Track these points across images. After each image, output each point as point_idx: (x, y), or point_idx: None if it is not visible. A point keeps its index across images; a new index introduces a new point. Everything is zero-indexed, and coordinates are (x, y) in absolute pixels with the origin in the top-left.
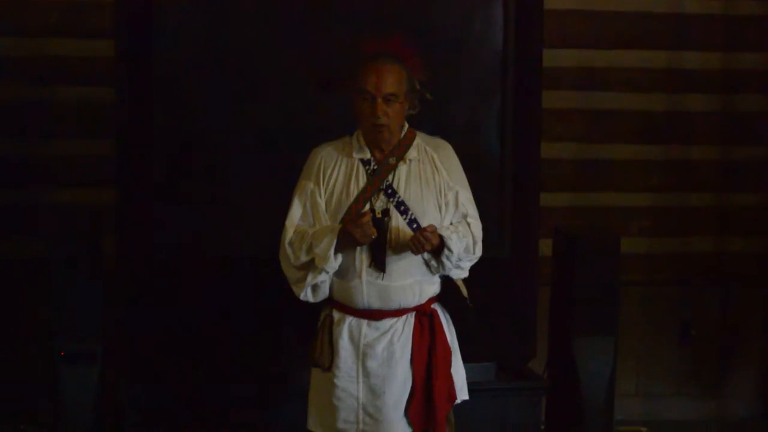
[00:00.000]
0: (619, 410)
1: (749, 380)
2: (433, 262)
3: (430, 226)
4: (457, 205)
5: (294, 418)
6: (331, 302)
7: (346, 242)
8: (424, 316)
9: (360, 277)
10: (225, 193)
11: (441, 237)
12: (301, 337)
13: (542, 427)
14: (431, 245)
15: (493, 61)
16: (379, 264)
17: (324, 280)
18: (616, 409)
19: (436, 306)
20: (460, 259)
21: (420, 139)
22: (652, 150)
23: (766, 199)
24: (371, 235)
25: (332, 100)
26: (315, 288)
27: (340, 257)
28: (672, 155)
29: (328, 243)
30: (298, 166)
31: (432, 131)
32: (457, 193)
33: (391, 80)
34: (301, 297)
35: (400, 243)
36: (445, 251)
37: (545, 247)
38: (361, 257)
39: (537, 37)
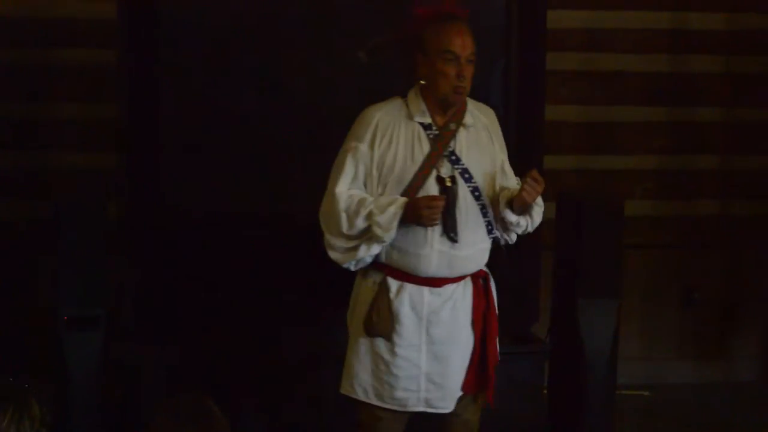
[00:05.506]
0: (622, 374)
1: (752, 344)
2: (523, 220)
3: (533, 170)
4: (504, 172)
5: (305, 382)
6: (384, 269)
7: (408, 217)
8: (479, 279)
9: (432, 246)
10: (231, 154)
11: None
12: (304, 298)
13: (545, 391)
14: (543, 188)
15: (497, 23)
16: (451, 233)
17: (377, 252)
18: (618, 373)
19: (485, 269)
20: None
21: (470, 105)
22: (656, 112)
23: None
24: (436, 220)
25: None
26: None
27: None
28: (677, 117)
29: (394, 213)
30: (305, 124)
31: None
32: (503, 161)
33: (471, 42)
34: (344, 265)
35: (467, 211)
36: (539, 202)
37: (549, 210)
38: (433, 227)
39: None
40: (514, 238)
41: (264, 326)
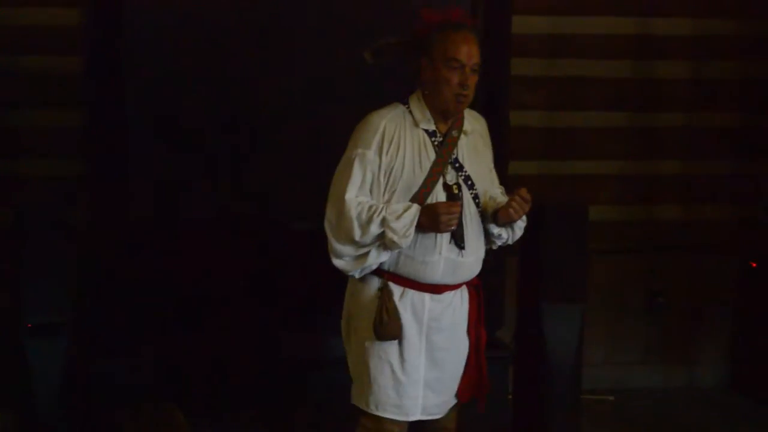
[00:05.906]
0: (587, 379)
1: (717, 349)
2: (504, 232)
3: (522, 188)
4: (492, 180)
5: (260, 391)
6: (383, 275)
7: (424, 223)
8: (472, 286)
9: (440, 253)
10: (199, 162)
11: None
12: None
13: (509, 396)
14: (530, 207)
15: None
16: (460, 240)
17: (385, 259)
18: (583, 378)
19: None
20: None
21: (465, 112)
22: (620, 117)
23: (735, 166)
24: (454, 226)
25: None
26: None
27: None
28: (641, 122)
29: (411, 220)
30: (280, 128)
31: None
32: (491, 169)
33: (477, 51)
34: (350, 273)
35: (471, 218)
36: (522, 218)
37: None
38: (442, 234)
39: (506, 3)
40: (495, 245)
41: (239, 333)
